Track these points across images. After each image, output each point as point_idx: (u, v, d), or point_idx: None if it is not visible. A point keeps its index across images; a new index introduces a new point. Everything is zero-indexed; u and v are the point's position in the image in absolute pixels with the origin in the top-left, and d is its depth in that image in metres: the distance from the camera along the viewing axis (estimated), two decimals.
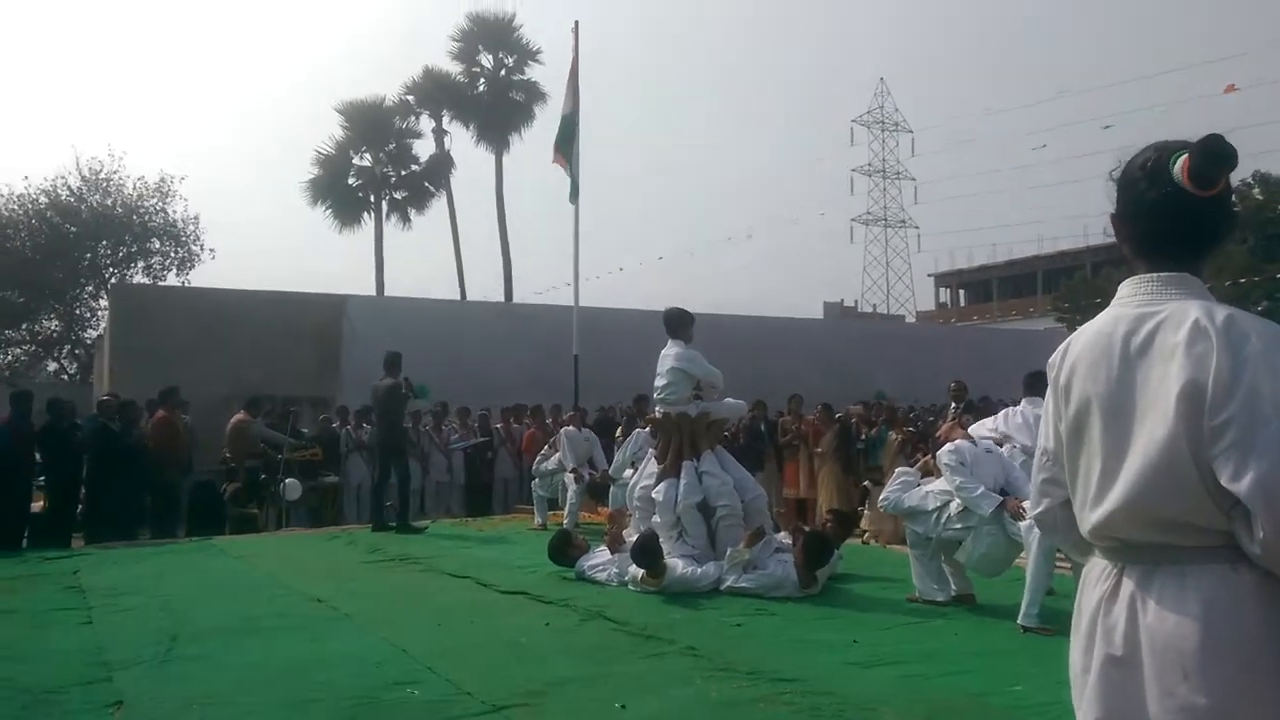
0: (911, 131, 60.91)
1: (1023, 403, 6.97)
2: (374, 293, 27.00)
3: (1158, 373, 1.63)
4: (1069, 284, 37.50)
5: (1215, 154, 1.64)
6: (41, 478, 9.98)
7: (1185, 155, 1.66)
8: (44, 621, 5.68)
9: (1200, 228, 1.73)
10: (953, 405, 10.64)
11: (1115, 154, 1.85)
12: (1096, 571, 1.73)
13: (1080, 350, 1.77)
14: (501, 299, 28.35)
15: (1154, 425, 1.61)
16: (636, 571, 6.44)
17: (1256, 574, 1.55)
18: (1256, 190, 30.62)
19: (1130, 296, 1.75)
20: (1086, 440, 1.73)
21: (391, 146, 30.40)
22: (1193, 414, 1.56)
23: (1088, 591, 1.73)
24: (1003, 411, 7.40)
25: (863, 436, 11.48)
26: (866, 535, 9.23)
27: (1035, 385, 6.73)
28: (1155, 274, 1.73)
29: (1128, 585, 1.65)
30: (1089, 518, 1.71)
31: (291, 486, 10.79)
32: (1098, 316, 1.80)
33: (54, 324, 29.28)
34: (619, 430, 11.54)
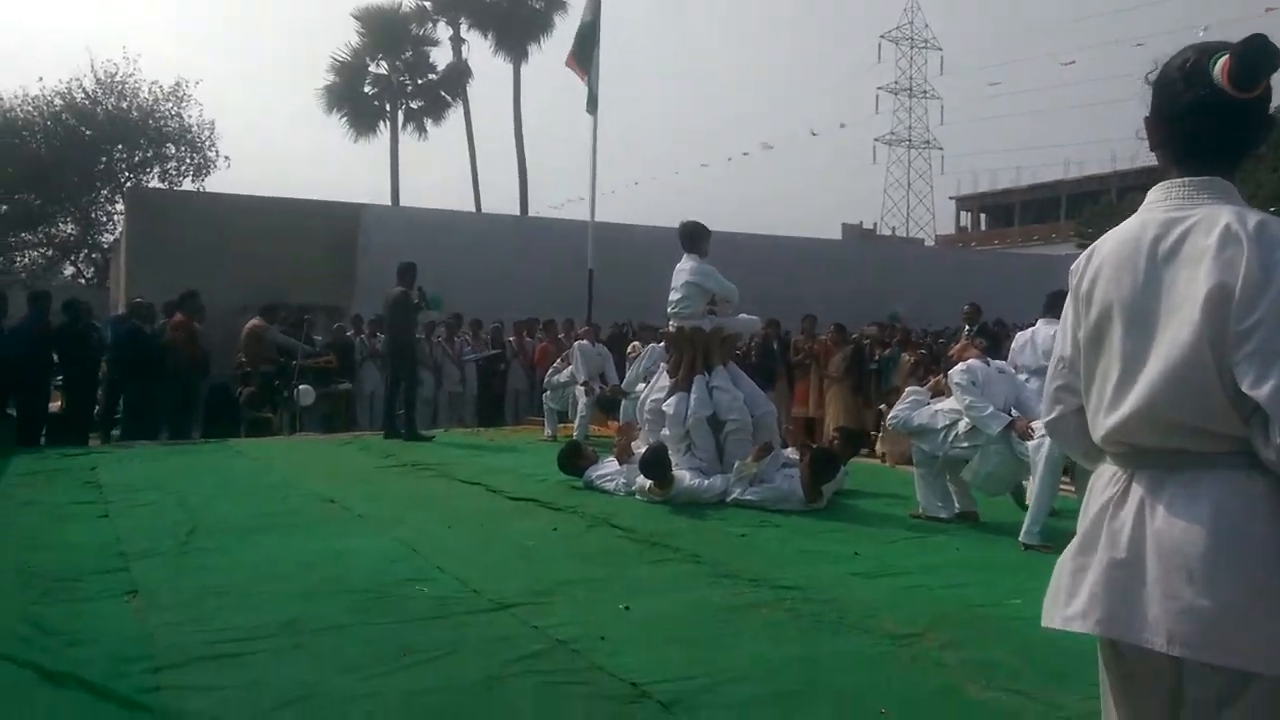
0: (940, 49, 59.38)
1: (1039, 323, 6.89)
2: (389, 202, 26.82)
3: (1185, 276, 1.60)
4: (1093, 209, 36.81)
5: (1258, 53, 1.58)
6: (59, 377, 10.12)
7: (1226, 56, 1.61)
8: (63, 514, 5.81)
9: (1236, 131, 1.68)
10: (966, 328, 10.58)
11: (1141, 89, 1.79)
12: (1105, 477, 1.72)
13: (1105, 256, 1.73)
14: (517, 212, 28.13)
15: (1177, 329, 1.59)
16: (644, 482, 6.50)
17: (1269, 481, 1.54)
18: None
19: (1160, 201, 1.71)
20: (1106, 347, 1.70)
21: (408, 54, 29.82)
22: (1218, 318, 1.54)
23: (1095, 496, 1.73)
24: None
25: (876, 358, 11.47)
26: (884, 457, 9.27)
27: (1056, 305, 6.67)
28: (1187, 178, 1.68)
29: (1137, 490, 1.64)
30: (1104, 423, 1.70)
31: (305, 393, 10.91)
32: (1125, 222, 1.76)
33: (70, 228, 29.28)
34: (629, 346, 11.55)
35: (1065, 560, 1.74)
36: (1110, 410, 1.67)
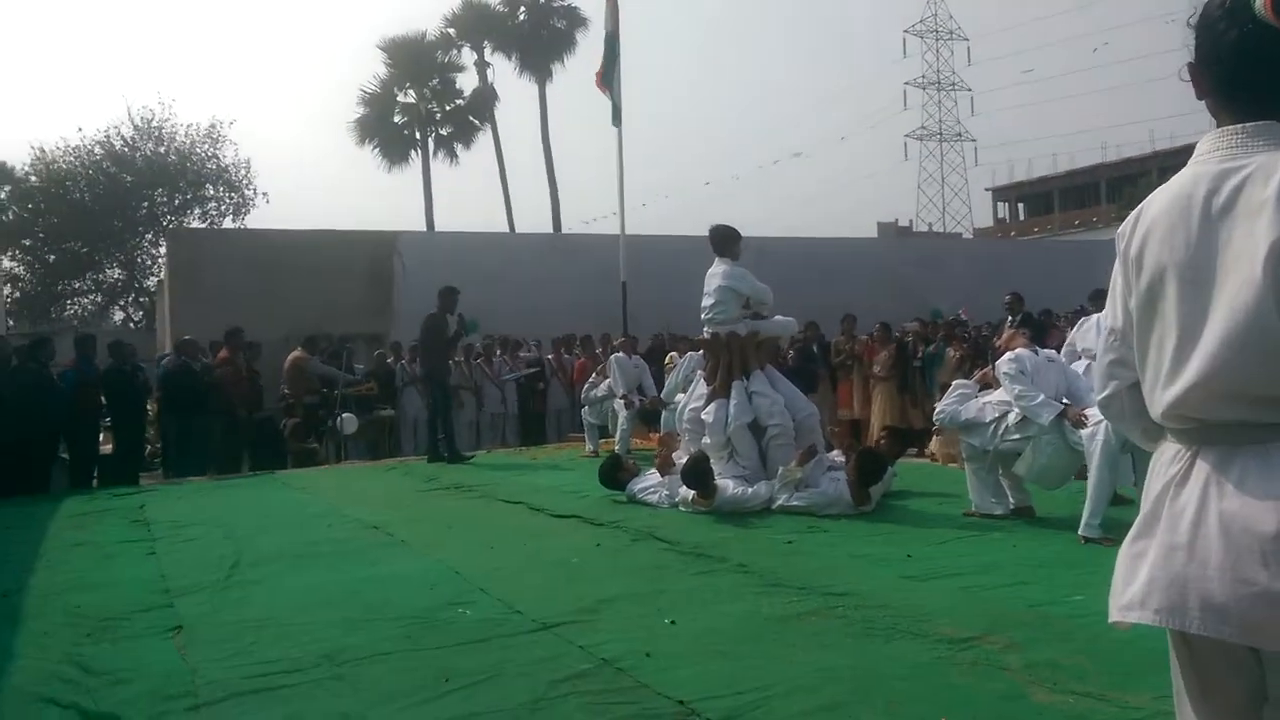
0: (967, 39, 58.69)
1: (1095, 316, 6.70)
2: (424, 229, 27.07)
3: (1243, 231, 1.46)
4: (1134, 192, 36.08)
5: None
6: (108, 419, 10.29)
7: None
8: (110, 553, 5.86)
9: None
10: (1009, 318, 10.34)
11: (1180, 51, 1.66)
12: (1167, 456, 1.58)
13: (1155, 216, 1.59)
14: (550, 230, 28.24)
15: (1238, 289, 1.45)
16: (687, 493, 6.40)
17: None
18: None
19: (1211, 152, 1.56)
20: (1160, 314, 1.56)
21: (435, 82, 30.14)
22: None
23: (1155, 477, 1.59)
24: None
25: (919, 355, 11.27)
26: (935, 456, 9.04)
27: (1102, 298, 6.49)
28: (1239, 125, 1.54)
29: (1202, 467, 1.50)
30: (1162, 397, 1.56)
31: (348, 421, 10.98)
32: (1175, 177, 1.62)
33: (117, 272, 30.00)
34: (667, 357, 11.44)
35: (1124, 546, 1.60)
36: (1169, 382, 1.54)
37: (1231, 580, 1.43)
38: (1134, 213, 1.66)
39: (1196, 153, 1.60)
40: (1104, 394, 1.75)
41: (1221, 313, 1.47)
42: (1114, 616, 1.60)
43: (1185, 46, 1.66)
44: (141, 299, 30.03)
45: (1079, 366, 6.30)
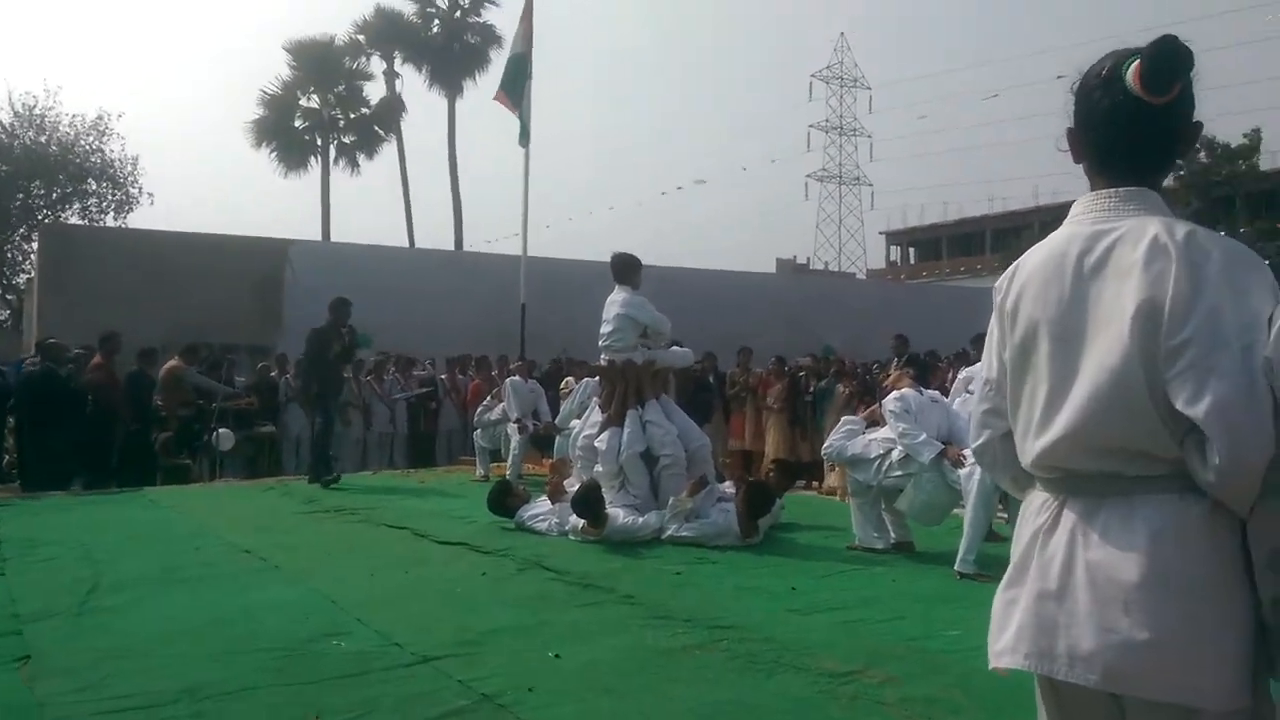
0: (870, 88, 60.87)
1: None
2: (320, 238, 26.34)
3: (1112, 291, 1.53)
4: (1017, 244, 37.92)
5: (1167, 56, 1.53)
6: None
7: (1137, 60, 1.55)
8: None
9: (1156, 138, 1.62)
10: (895, 359, 10.67)
11: (1066, 113, 1.73)
12: (1036, 504, 1.64)
13: (1030, 271, 1.66)
14: (450, 247, 27.87)
15: (1106, 346, 1.51)
16: (577, 521, 6.34)
17: (1205, 505, 1.47)
18: (1202, 154, 31.09)
19: (1085, 213, 1.64)
20: (1032, 366, 1.62)
21: (341, 88, 29.53)
22: (1149, 334, 1.46)
23: (1025, 525, 1.65)
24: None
25: (811, 390, 11.50)
26: (835, 491, 9.16)
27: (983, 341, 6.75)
28: (1112, 189, 1.62)
29: (1069, 518, 1.56)
30: (1032, 446, 1.61)
31: (225, 437, 10.50)
32: (1050, 236, 1.68)
33: None
34: (564, 382, 11.38)
35: (998, 593, 1.66)
36: (1039, 433, 1.59)
37: (1097, 628, 1.48)
38: (1011, 268, 1.72)
39: (1071, 213, 1.66)
40: (978, 442, 1.80)
41: (1090, 368, 1.53)
42: (991, 663, 1.64)
43: (1067, 113, 1.73)
44: (9, 297, 28.26)
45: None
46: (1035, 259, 1.66)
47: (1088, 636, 1.49)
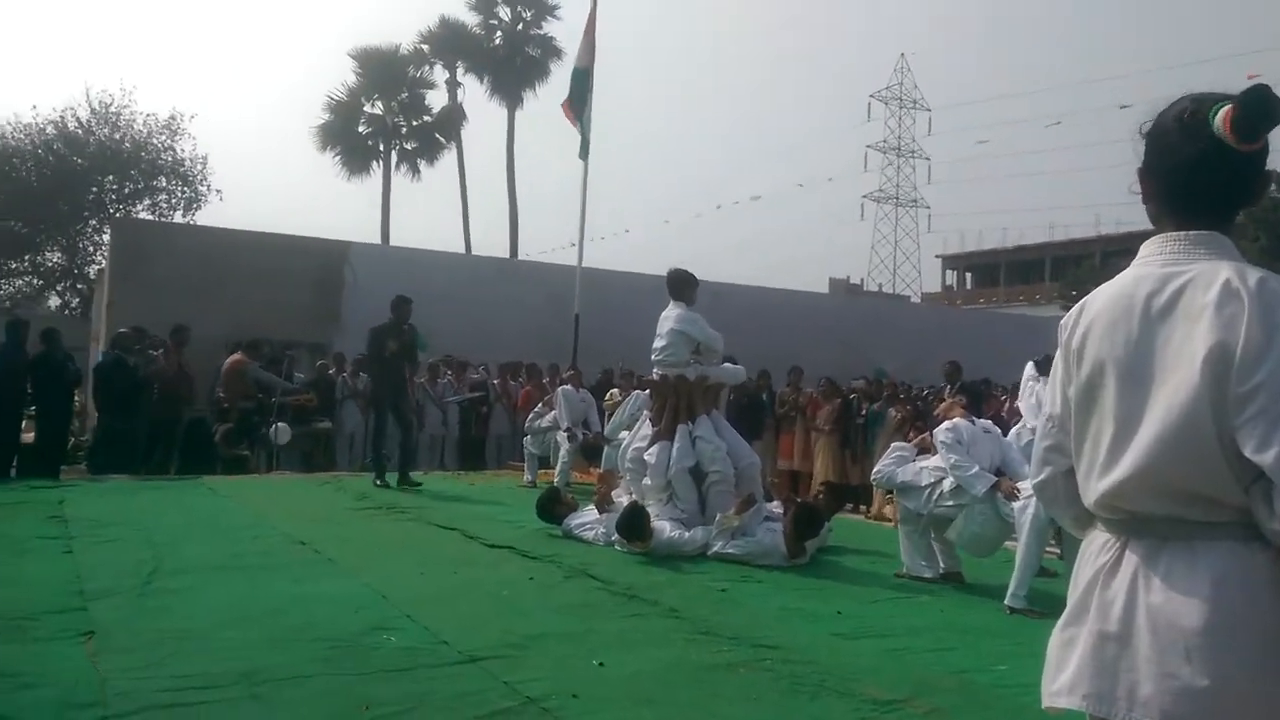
0: (929, 110, 60.37)
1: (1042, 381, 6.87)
2: (379, 241, 26.81)
3: (1181, 334, 1.53)
4: (1077, 272, 37.25)
5: (1262, 104, 1.52)
6: (32, 407, 9.94)
7: (1228, 106, 1.54)
8: (24, 549, 5.63)
9: (1236, 184, 1.62)
10: (947, 385, 10.57)
11: (1135, 141, 1.72)
12: (1097, 544, 1.64)
13: (1098, 311, 1.66)
14: (506, 255, 28.17)
15: (1175, 389, 1.51)
16: None
17: (1270, 553, 1.46)
18: (1272, 186, 30.26)
19: (1155, 255, 1.64)
20: (1098, 405, 1.62)
21: (404, 96, 30.09)
22: (1218, 379, 1.46)
23: (1085, 565, 1.64)
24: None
25: (863, 412, 11.43)
26: (882, 517, 9.09)
27: (1046, 366, 6.67)
28: (1183, 232, 1.62)
29: (1131, 560, 1.56)
30: (1096, 486, 1.61)
31: (282, 430, 10.74)
32: (1118, 276, 1.69)
33: (57, 257, 29.12)
34: (608, 394, 11.42)
35: (1055, 633, 1.66)
36: (1103, 473, 1.59)
37: (1157, 673, 1.48)
38: (1077, 306, 1.73)
39: (1140, 255, 1.67)
40: (1039, 478, 1.80)
41: (1158, 410, 1.53)
42: (1046, 703, 1.64)
43: (1133, 140, 1.72)
44: (79, 286, 29.15)
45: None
46: (1103, 298, 1.67)
47: (1148, 681, 1.49)
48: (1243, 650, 1.44)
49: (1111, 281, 1.69)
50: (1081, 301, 1.73)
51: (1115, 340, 1.60)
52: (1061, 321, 1.76)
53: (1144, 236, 1.71)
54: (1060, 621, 1.66)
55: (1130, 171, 1.74)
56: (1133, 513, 1.57)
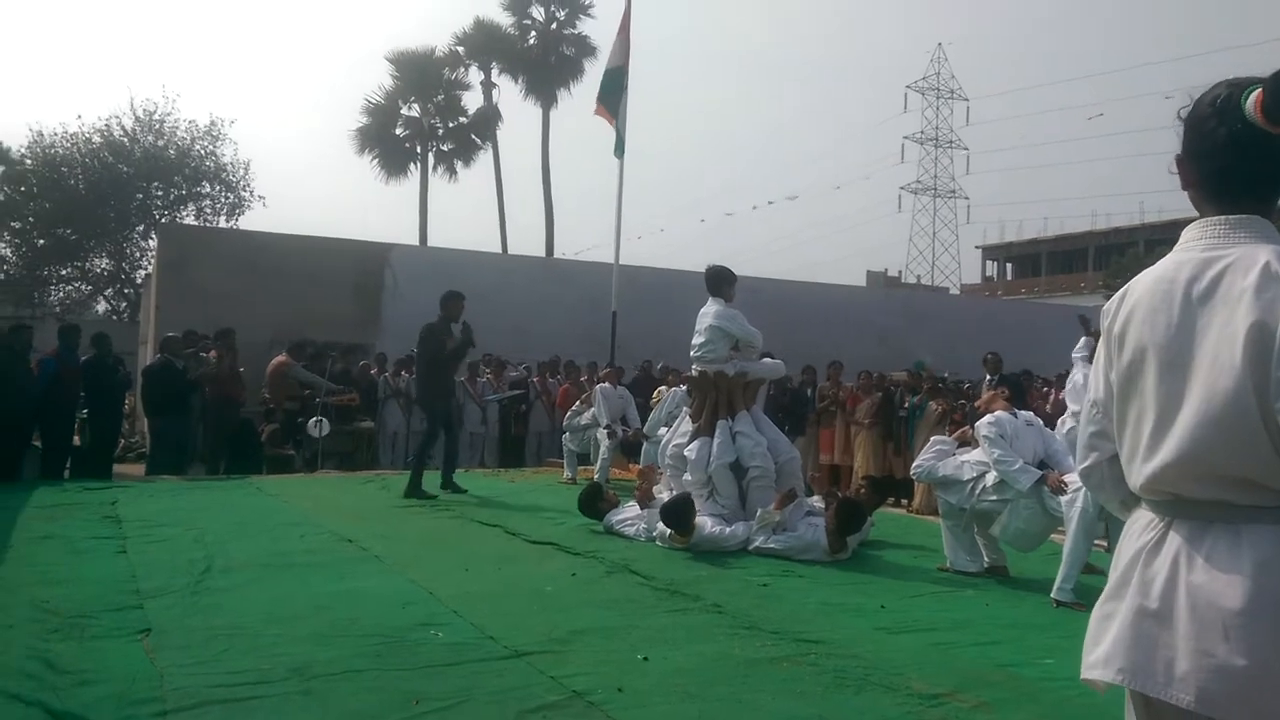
0: (967, 99, 59.65)
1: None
2: (417, 243, 27.09)
3: (1222, 319, 1.53)
4: (1121, 261, 36.54)
5: None
6: (84, 410, 10.19)
7: (1259, 89, 1.55)
8: (80, 549, 5.78)
9: (1271, 167, 1.62)
10: (987, 377, 10.45)
11: (1175, 127, 1.73)
12: (1141, 523, 1.65)
13: (1139, 296, 1.67)
14: (542, 254, 28.32)
15: (1216, 374, 1.52)
16: (665, 528, 6.40)
17: None
18: None
19: (1195, 240, 1.64)
20: (1139, 390, 1.63)
21: (440, 98, 30.36)
22: (1260, 362, 1.46)
23: (1129, 540, 1.66)
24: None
25: (905, 405, 11.32)
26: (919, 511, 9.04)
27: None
28: (1223, 216, 1.62)
29: (1174, 539, 1.57)
30: (1141, 470, 1.62)
31: (322, 424, 10.88)
32: (1159, 262, 1.70)
33: (105, 263, 29.79)
34: (655, 392, 11.46)
35: (1096, 608, 1.68)
36: (1147, 457, 1.60)
37: (1194, 651, 1.49)
38: (1120, 292, 1.74)
39: (1181, 240, 1.68)
40: (1085, 464, 1.82)
41: (1199, 394, 1.53)
42: (1083, 675, 1.66)
43: (1175, 125, 1.73)
44: (126, 291, 29.79)
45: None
46: (1144, 284, 1.68)
47: (1185, 658, 1.50)
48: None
49: (1153, 267, 1.70)
50: (1124, 288, 1.74)
51: (1156, 325, 1.61)
52: (1104, 308, 1.77)
53: (1188, 223, 1.71)
54: (1101, 596, 1.67)
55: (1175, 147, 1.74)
56: (1177, 495, 1.58)
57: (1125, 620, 1.58)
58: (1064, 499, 5.28)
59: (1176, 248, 1.68)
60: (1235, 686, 1.45)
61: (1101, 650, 1.61)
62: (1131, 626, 1.57)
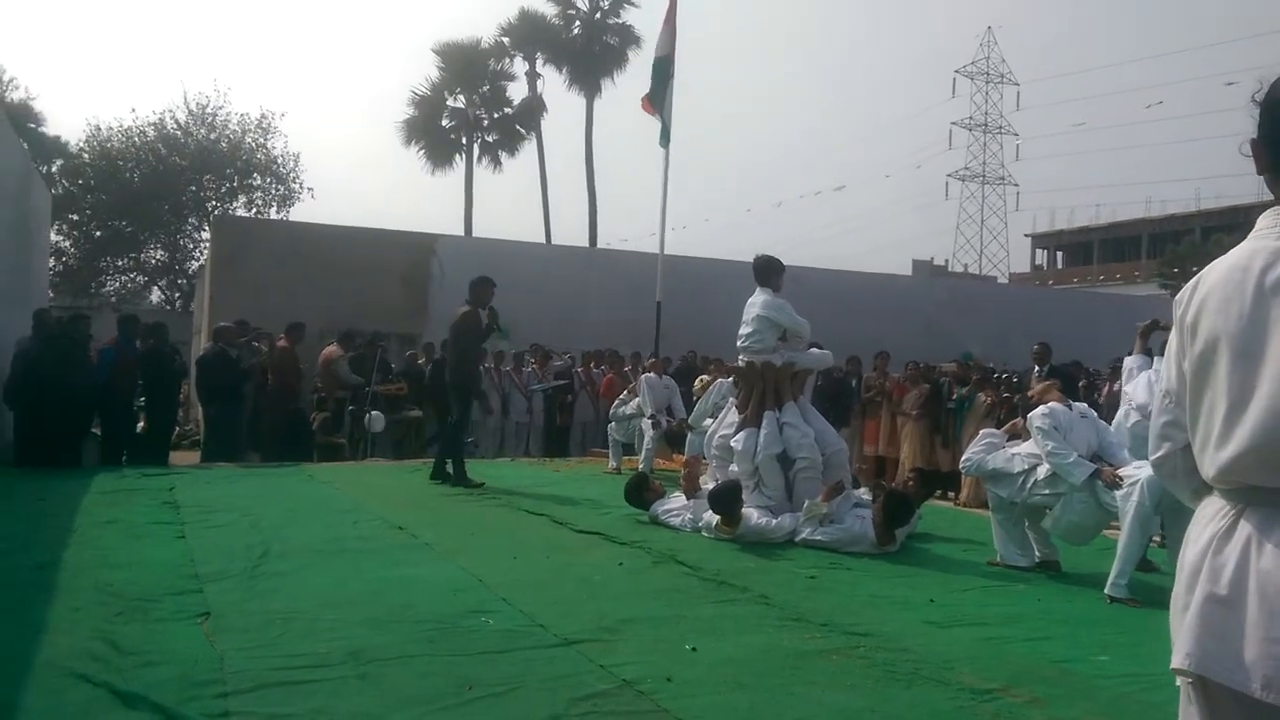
0: (1017, 84, 58.57)
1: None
2: (462, 233, 27.31)
3: None
4: (1175, 249, 35.63)
5: None
6: (142, 399, 10.44)
7: None
8: (140, 533, 5.95)
9: None
10: (1036, 368, 10.28)
11: (1236, 111, 1.71)
12: (1211, 510, 1.64)
13: (1211, 285, 1.65)
14: (586, 244, 28.38)
15: None
16: (711, 518, 6.41)
17: None
18: None
19: (1270, 228, 1.62)
20: (1212, 380, 1.62)
21: (485, 89, 30.53)
22: None
23: (1198, 529, 1.64)
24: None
25: (954, 396, 11.17)
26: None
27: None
28: None
29: (1245, 527, 1.55)
30: (1213, 459, 1.61)
31: (376, 419, 11.07)
32: (1233, 250, 1.67)
33: (159, 254, 30.47)
34: (697, 380, 11.44)
35: (1175, 601, 1.66)
36: (1219, 446, 1.59)
37: (1262, 638, 1.48)
38: (1192, 281, 1.72)
39: (1256, 227, 1.65)
40: (1158, 454, 1.81)
41: (1271, 385, 1.52)
42: (1173, 665, 1.64)
43: (1235, 109, 1.71)
44: (180, 282, 30.45)
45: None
46: (1217, 273, 1.65)
47: (1252, 645, 1.49)
48: None
49: (1226, 255, 1.68)
50: (1197, 276, 1.71)
51: (1229, 315, 1.59)
52: (1176, 297, 1.75)
53: (1247, 210, 1.68)
54: (1177, 588, 1.66)
55: (1235, 144, 1.71)
56: (1249, 484, 1.57)
57: (1196, 607, 1.57)
58: (1119, 493, 5.19)
59: (1251, 235, 1.66)
60: None
61: (1179, 641, 1.60)
62: (1201, 613, 1.56)
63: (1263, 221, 1.64)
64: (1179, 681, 1.65)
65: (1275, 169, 1.65)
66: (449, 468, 8.70)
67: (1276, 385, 1.51)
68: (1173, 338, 1.73)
